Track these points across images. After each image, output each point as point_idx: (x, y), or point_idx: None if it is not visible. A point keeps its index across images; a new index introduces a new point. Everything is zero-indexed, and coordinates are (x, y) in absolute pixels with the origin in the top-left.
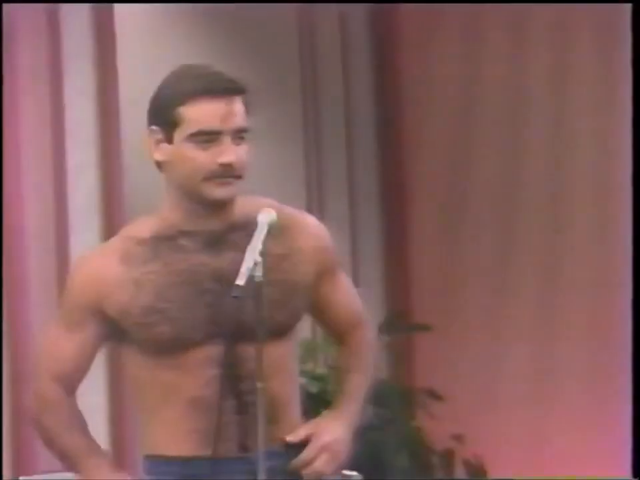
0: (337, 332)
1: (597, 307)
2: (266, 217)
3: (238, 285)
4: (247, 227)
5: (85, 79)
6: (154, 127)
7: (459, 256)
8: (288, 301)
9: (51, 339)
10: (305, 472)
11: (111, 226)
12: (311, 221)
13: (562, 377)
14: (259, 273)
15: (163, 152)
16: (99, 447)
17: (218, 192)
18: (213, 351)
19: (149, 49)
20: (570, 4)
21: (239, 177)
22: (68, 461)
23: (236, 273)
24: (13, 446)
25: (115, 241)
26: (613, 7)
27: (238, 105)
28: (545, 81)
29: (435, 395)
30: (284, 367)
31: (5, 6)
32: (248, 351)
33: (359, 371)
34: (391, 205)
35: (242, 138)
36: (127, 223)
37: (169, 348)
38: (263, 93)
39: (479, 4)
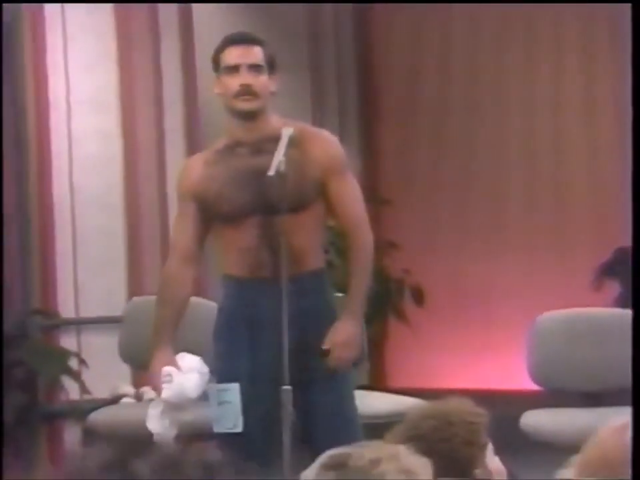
0: (343, 228)
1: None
2: (287, 131)
3: (269, 175)
4: (278, 139)
5: (173, 50)
6: (215, 73)
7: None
8: (299, 187)
9: (174, 224)
10: (329, 360)
11: (194, 144)
12: (325, 134)
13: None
14: (282, 167)
15: (217, 87)
16: (172, 327)
17: (242, 105)
18: (255, 219)
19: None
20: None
21: (257, 95)
22: (153, 326)
23: (268, 169)
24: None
25: (205, 151)
26: (588, 6)
27: (254, 50)
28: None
29: (393, 245)
30: (304, 229)
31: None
32: (276, 219)
33: (359, 275)
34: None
35: (258, 71)
36: (203, 145)
37: (229, 218)
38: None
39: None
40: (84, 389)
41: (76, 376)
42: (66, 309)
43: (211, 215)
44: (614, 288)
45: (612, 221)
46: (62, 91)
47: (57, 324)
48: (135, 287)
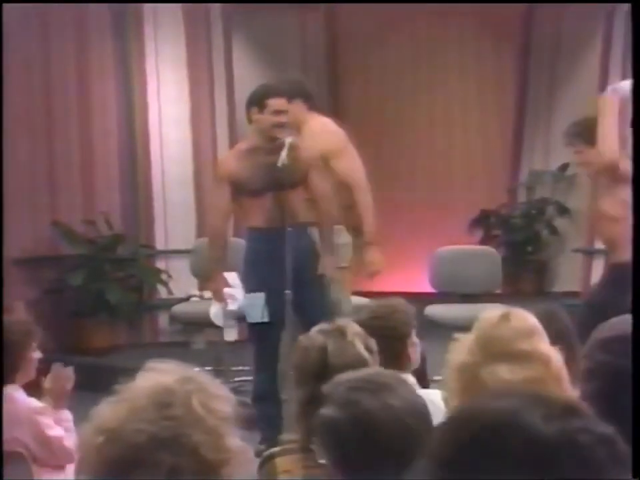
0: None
1: None
2: (288, 140)
3: (278, 166)
4: (283, 147)
5: (220, 73)
6: (254, 106)
7: None
8: (294, 175)
9: (214, 198)
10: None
11: (233, 143)
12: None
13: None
14: (285, 161)
15: (256, 116)
16: (221, 260)
17: (278, 134)
18: (270, 193)
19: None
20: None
21: (286, 127)
22: (209, 260)
23: (279, 165)
24: None
25: (232, 151)
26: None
27: (286, 100)
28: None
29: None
30: (297, 199)
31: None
32: (282, 193)
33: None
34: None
35: (286, 113)
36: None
37: (254, 193)
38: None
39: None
40: (170, 292)
41: (165, 284)
42: (160, 244)
43: (239, 192)
44: (479, 233)
45: (479, 192)
46: (156, 109)
47: (155, 253)
48: (200, 231)
